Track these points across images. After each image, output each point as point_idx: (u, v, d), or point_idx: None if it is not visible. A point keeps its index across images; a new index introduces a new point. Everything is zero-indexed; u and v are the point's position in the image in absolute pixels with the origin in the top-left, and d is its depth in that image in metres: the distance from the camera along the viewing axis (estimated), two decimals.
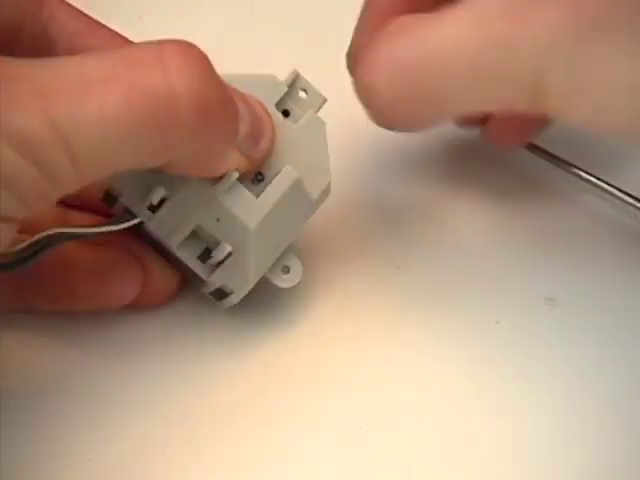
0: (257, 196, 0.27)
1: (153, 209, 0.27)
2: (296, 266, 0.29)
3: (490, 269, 0.33)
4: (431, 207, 0.34)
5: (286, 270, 0.29)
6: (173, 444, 0.28)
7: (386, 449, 0.28)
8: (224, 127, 0.25)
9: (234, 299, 0.28)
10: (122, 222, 0.27)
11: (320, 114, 0.29)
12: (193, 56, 0.24)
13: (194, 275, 0.29)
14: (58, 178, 0.22)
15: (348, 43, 0.30)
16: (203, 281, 0.29)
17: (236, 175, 0.27)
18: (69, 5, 0.28)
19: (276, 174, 0.28)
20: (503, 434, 0.29)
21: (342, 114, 0.30)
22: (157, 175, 0.26)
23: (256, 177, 0.28)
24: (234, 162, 0.26)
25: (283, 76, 0.29)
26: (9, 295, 0.29)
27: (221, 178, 0.27)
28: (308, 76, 0.28)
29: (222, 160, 0.26)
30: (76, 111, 0.21)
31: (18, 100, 0.21)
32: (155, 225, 0.28)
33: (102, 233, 0.27)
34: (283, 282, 0.29)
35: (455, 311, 0.32)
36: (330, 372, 0.30)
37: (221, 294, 0.29)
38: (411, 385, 0.30)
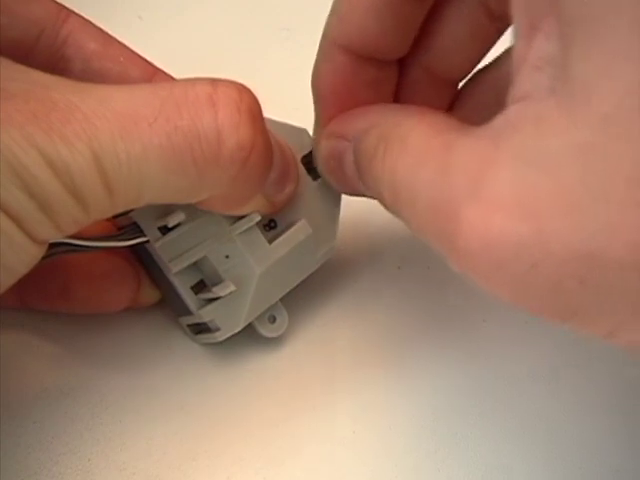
0: (269, 242, 0.28)
1: (163, 231, 0.27)
2: (282, 316, 0.29)
3: None
4: None
5: (272, 319, 0.29)
6: (173, 444, 0.28)
7: (382, 452, 0.28)
8: (260, 175, 0.25)
9: (218, 336, 0.28)
10: (127, 239, 0.27)
11: None
12: (246, 102, 0.24)
13: (174, 302, 0.29)
14: (93, 208, 0.22)
15: None
16: (185, 313, 0.29)
17: (258, 218, 0.27)
18: (91, 25, 0.28)
19: (289, 225, 0.28)
20: (498, 433, 0.29)
21: None
22: None
23: (268, 224, 0.28)
24: (258, 204, 0.27)
25: (283, 78, 0.29)
26: (9, 293, 0.29)
27: (240, 217, 0.27)
28: (306, 76, 0.28)
29: (248, 201, 0.26)
30: (119, 148, 0.21)
31: (67, 132, 0.21)
32: (160, 247, 0.27)
33: (105, 247, 0.27)
34: (268, 332, 0.29)
35: (455, 311, 0.32)
36: (331, 370, 0.30)
37: (201, 329, 0.29)
38: (411, 384, 0.30)
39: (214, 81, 0.24)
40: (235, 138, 0.23)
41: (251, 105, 0.24)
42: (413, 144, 0.21)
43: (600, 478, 0.28)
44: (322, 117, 0.28)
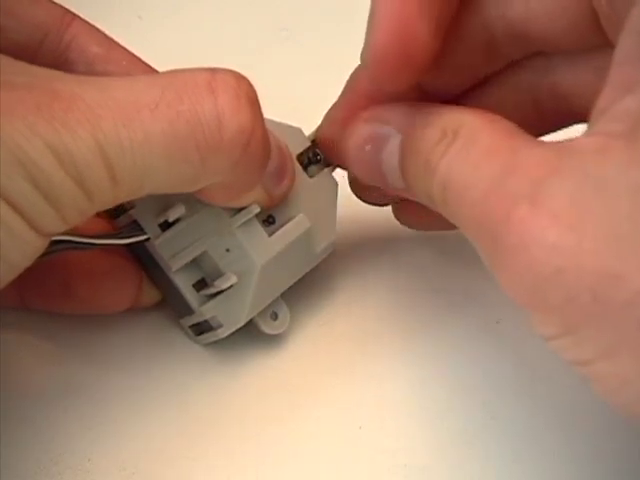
0: (268, 236, 0.28)
1: (163, 227, 0.27)
2: (283, 313, 0.29)
3: None
4: None
5: (274, 317, 0.29)
6: (173, 443, 0.28)
7: (386, 449, 0.28)
8: (260, 161, 0.25)
9: (220, 333, 0.28)
10: (128, 237, 0.27)
11: None
12: (243, 89, 0.24)
13: (175, 303, 0.29)
14: (97, 197, 0.22)
15: (348, 43, 0.29)
16: (186, 312, 0.29)
17: (257, 210, 0.27)
18: (94, 29, 0.28)
19: (288, 220, 0.28)
20: (502, 434, 0.29)
21: None
22: (176, 194, 0.26)
23: (267, 219, 0.28)
24: (257, 196, 0.27)
25: (283, 78, 0.29)
26: (10, 292, 0.29)
27: (239, 210, 0.27)
28: (306, 76, 0.28)
29: (248, 193, 0.26)
30: (122, 135, 0.22)
31: (70, 121, 0.21)
32: (160, 244, 0.27)
33: (106, 245, 0.27)
34: (270, 328, 0.29)
35: (455, 310, 0.32)
36: (331, 371, 0.30)
37: (203, 328, 0.29)
38: (411, 384, 0.30)
39: (212, 69, 0.24)
40: (235, 122, 0.23)
41: (249, 92, 0.24)
42: (482, 142, 0.22)
43: (612, 477, 0.28)
44: (352, 94, 0.28)
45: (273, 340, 0.30)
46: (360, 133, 0.26)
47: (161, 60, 0.29)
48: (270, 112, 0.26)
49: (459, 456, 0.28)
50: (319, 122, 0.29)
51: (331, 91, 0.29)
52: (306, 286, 0.30)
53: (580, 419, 0.29)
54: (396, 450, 0.28)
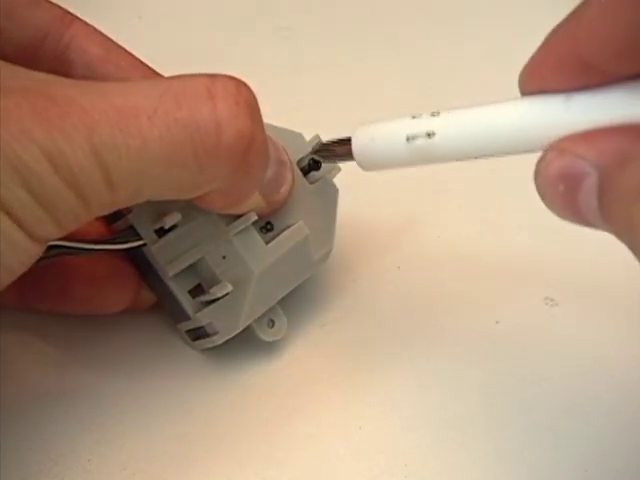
0: (266, 243, 0.28)
1: (160, 233, 0.27)
2: (281, 321, 0.29)
3: (490, 269, 0.33)
4: (431, 209, 0.35)
5: (271, 324, 0.29)
6: (173, 444, 0.28)
7: (386, 449, 0.28)
8: (259, 168, 0.25)
9: (217, 340, 0.28)
10: (124, 242, 0.27)
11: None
12: (243, 95, 0.24)
13: (172, 308, 0.29)
14: (94, 203, 0.22)
15: (348, 44, 0.29)
16: (183, 318, 0.29)
17: (254, 218, 0.27)
18: (94, 30, 0.28)
19: (286, 227, 0.28)
20: (502, 434, 0.29)
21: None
22: (173, 200, 0.26)
23: (265, 226, 0.28)
24: (255, 203, 0.27)
25: (283, 78, 0.29)
26: (10, 292, 0.29)
27: (237, 217, 0.27)
28: (306, 76, 0.28)
29: (246, 200, 0.26)
30: (119, 141, 0.21)
31: (66, 126, 0.21)
32: (157, 250, 0.27)
33: (103, 250, 0.27)
34: (267, 335, 0.29)
35: (455, 311, 0.32)
36: (330, 373, 0.30)
37: (199, 334, 0.29)
38: (411, 384, 0.30)
39: (212, 75, 0.24)
40: (234, 128, 0.23)
41: (249, 98, 0.24)
42: None
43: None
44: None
45: (272, 343, 0.30)
46: (553, 169, 0.22)
47: (161, 60, 0.29)
48: (270, 113, 0.26)
49: (459, 456, 0.28)
50: (319, 125, 0.29)
51: (331, 92, 0.29)
52: (305, 290, 0.30)
53: (580, 419, 0.29)
54: (396, 450, 0.28)
